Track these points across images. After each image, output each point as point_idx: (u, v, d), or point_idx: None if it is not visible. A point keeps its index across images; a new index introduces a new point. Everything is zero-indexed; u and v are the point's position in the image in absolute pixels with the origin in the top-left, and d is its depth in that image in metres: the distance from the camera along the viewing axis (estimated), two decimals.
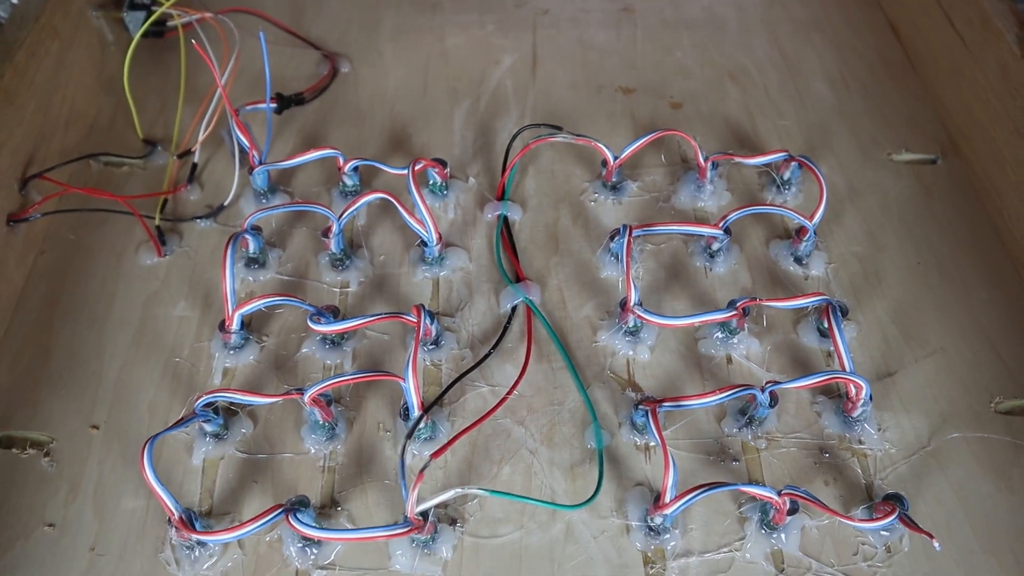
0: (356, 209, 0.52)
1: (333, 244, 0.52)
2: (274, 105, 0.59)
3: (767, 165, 0.58)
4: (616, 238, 0.53)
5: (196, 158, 0.59)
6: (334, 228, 0.51)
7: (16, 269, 0.53)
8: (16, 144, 0.53)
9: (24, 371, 0.49)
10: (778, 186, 0.59)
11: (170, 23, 0.65)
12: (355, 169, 0.56)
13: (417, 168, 0.53)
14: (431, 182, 0.57)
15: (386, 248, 0.55)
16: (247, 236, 0.51)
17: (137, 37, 0.59)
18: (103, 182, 0.59)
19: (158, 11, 0.61)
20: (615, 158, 0.56)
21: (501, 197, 0.57)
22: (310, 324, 0.47)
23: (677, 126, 0.62)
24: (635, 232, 0.51)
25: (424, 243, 0.53)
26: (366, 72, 0.66)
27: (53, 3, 0.58)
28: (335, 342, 0.50)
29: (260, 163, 0.55)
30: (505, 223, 0.56)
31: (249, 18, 0.67)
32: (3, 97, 0.52)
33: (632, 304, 0.49)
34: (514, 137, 0.59)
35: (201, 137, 0.57)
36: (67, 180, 0.58)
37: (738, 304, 0.48)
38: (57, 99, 0.58)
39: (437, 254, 0.53)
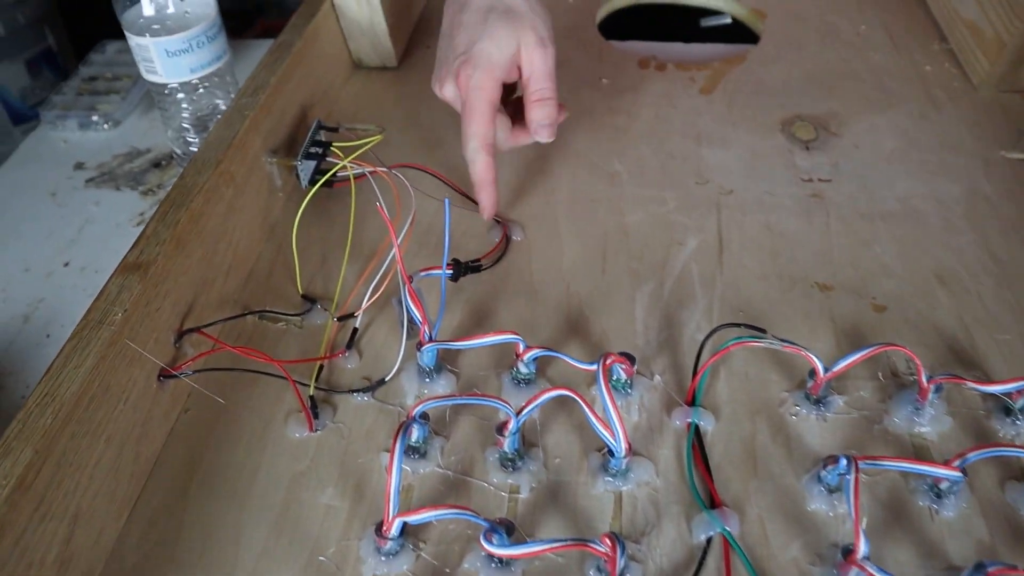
0: (537, 406, 0.46)
1: (507, 443, 0.46)
2: (449, 272, 0.55)
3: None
4: (829, 466, 0.45)
5: (358, 322, 0.54)
6: (511, 425, 0.45)
7: (159, 428, 0.48)
8: (179, 294, 0.50)
9: (154, 547, 0.44)
10: (1011, 415, 0.50)
11: (341, 174, 0.62)
12: (534, 359, 0.50)
13: (607, 363, 0.47)
14: (614, 377, 0.51)
15: (562, 450, 0.48)
16: (414, 426, 0.45)
17: (313, 191, 0.57)
18: (257, 338, 0.55)
19: (336, 166, 0.58)
20: (826, 370, 0.49)
21: (691, 402, 0.50)
22: (483, 543, 0.40)
23: (884, 333, 0.55)
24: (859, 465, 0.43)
25: (611, 452, 0.46)
26: (540, 242, 0.62)
27: (234, 148, 0.56)
28: (504, 562, 0.42)
29: (431, 339, 0.50)
30: (697, 433, 0.49)
31: (419, 174, 0.64)
32: (175, 245, 0.49)
33: (860, 556, 0.40)
34: (708, 336, 0.52)
35: (366, 303, 0.53)
36: (219, 333, 0.54)
37: (990, 571, 0.40)
38: (223, 246, 0.55)
39: (624, 466, 0.46)
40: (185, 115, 0.67)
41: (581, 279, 0.59)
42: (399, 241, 0.51)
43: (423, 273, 0.53)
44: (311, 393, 0.50)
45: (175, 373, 0.48)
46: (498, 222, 0.62)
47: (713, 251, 0.61)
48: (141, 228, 0.50)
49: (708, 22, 1.01)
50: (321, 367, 0.52)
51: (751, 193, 0.67)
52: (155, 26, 0.63)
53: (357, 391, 0.51)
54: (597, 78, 0.79)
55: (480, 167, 0.58)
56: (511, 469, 0.47)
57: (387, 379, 0.51)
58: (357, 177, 0.61)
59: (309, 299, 0.56)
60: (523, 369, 0.51)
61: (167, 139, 0.74)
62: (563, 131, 0.71)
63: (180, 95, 0.66)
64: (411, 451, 0.47)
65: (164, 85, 0.65)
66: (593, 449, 0.48)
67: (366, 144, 0.61)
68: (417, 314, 0.50)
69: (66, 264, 0.64)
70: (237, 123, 0.57)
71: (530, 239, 0.62)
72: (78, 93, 0.82)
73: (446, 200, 0.50)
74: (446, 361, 0.53)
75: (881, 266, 0.61)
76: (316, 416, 0.49)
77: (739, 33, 0.93)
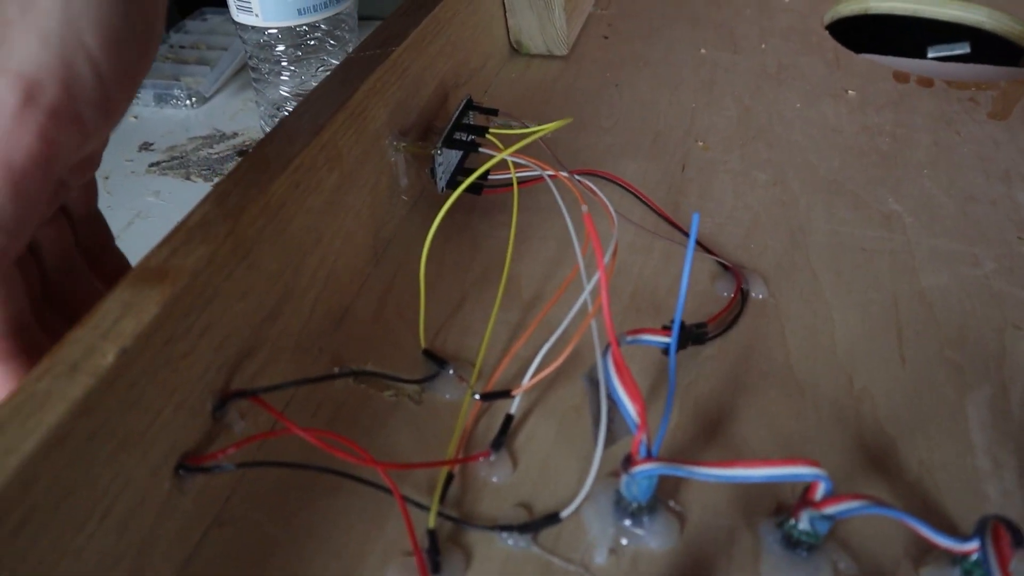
0: None
1: None
2: (666, 340, 0.33)
3: None
4: None
5: (514, 407, 0.33)
6: None
7: (169, 553, 0.27)
8: (229, 330, 0.29)
9: None
10: None
11: (496, 175, 0.41)
12: (840, 514, 0.27)
13: (1002, 546, 0.24)
14: (972, 560, 0.27)
15: None
16: None
17: (458, 193, 0.36)
18: (348, 413, 0.34)
19: (494, 159, 0.37)
20: None
21: None
22: None
23: None
24: None
25: None
26: (794, 305, 0.39)
27: (348, 114, 0.36)
28: None
29: (650, 454, 0.28)
30: None
31: (606, 186, 0.44)
32: (233, 248, 0.29)
33: None
34: None
35: (531, 378, 0.32)
36: (285, 407, 0.34)
37: None
38: (312, 261, 0.35)
39: None
40: (284, 79, 0.48)
41: (870, 370, 0.36)
42: (594, 284, 0.30)
43: (631, 338, 0.31)
44: (431, 526, 0.28)
45: (206, 465, 0.28)
46: (727, 268, 0.41)
47: None
48: None
49: (939, 52, 0.78)
50: (451, 476, 0.31)
51: None
52: None
53: (508, 528, 0.29)
54: (840, 89, 0.57)
55: None
56: None
57: (563, 515, 0.29)
58: (522, 183, 0.41)
59: (436, 358, 0.36)
60: (806, 526, 0.28)
61: (258, 117, 0.56)
62: (800, 146, 0.50)
63: (280, 48, 0.47)
64: None
65: (261, 31, 0.46)
66: None
67: (537, 131, 0.40)
68: (631, 408, 0.28)
69: None
70: (357, 79, 0.38)
71: (778, 298, 0.40)
72: (161, 61, 0.65)
73: (695, 216, 0.28)
74: (661, 492, 0.31)
75: None
76: (437, 570, 0.27)
77: (982, 61, 0.70)
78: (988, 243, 0.44)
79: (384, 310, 0.39)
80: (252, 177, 0.31)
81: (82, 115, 0.22)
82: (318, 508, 0.30)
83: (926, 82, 0.58)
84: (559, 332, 0.32)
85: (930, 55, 0.78)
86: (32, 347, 0.27)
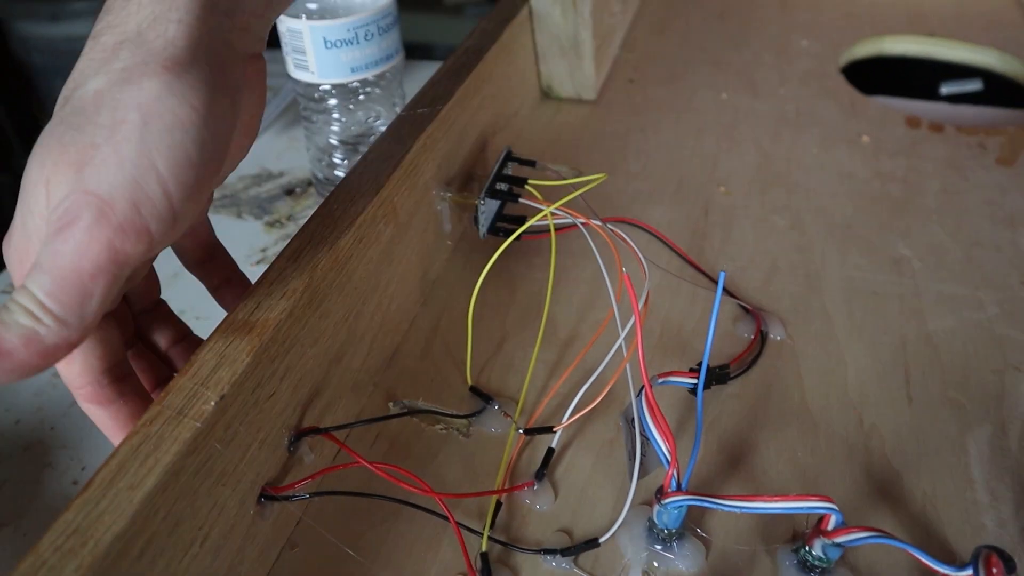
0: None
1: None
2: (693, 381, 0.36)
3: None
4: None
5: (554, 441, 0.36)
6: None
7: (251, 570, 0.31)
8: (303, 374, 0.33)
9: None
10: None
11: (533, 222, 0.45)
12: (849, 544, 0.30)
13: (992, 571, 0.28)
14: None
15: None
16: None
17: (509, 241, 0.40)
18: (401, 445, 0.37)
19: (543, 211, 0.41)
20: None
21: None
22: None
23: None
24: None
25: None
26: (810, 346, 0.43)
27: (403, 172, 0.40)
28: None
29: (679, 486, 0.31)
30: None
31: (635, 231, 0.47)
32: (309, 300, 0.32)
33: None
34: None
35: (570, 416, 0.35)
36: (345, 439, 0.37)
37: None
38: (370, 308, 0.39)
39: None
40: (335, 129, 0.52)
41: (879, 408, 0.39)
42: (628, 329, 0.34)
43: (662, 380, 0.35)
44: (483, 549, 0.32)
45: (285, 495, 0.31)
46: (748, 311, 0.44)
47: None
48: (262, 268, 0.34)
49: (951, 88, 0.81)
50: (499, 505, 0.34)
51: None
52: (313, 5, 0.49)
53: (551, 551, 0.32)
54: (855, 134, 0.60)
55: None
56: None
57: (602, 540, 0.32)
58: (557, 230, 0.44)
59: (481, 395, 0.39)
60: (819, 552, 0.31)
61: (307, 160, 0.59)
62: (816, 192, 0.53)
63: (333, 101, 0.51)
64: None
65: (315, 87, 0.50)
66: None
67: (576, 188, 0.44)
68: (663, 445, 0.31)
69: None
70: (409, 138, 0.41)
71: (795, 340, 0.43)
72: None
73: (721, 274, 0.32)
74: (689, 519, 0.34)
75: None
76: None
77: (994, 99, 0.73)
78: (991, 287, 0.47)
79: (431, 348, 0.43)
80: (321, 234, 0.35)
81: (149, 228, 0.25)
82: (379, 532, 0.34)
83: (937, 127, 0.62)
84: (597, 373, 0.36)
85: (943, 91, 0.81)
86: (126, 394, 0.31)
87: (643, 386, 0.32)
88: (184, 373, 0.29)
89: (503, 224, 0.46)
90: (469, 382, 0.40)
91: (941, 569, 0.29)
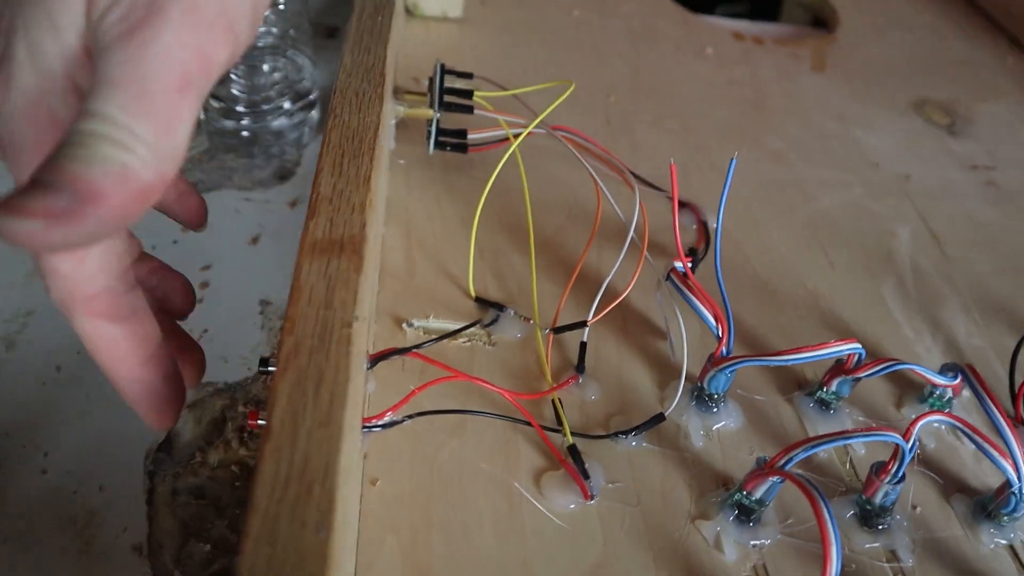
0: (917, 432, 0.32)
1: (883, 492, 0.32)
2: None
3: None
4: None
5: (586, 335, 0.38)
6: (894, 465, 0.31)
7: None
8: (364, 297, 0.31)
9: None
10: None
11: (475, 136, 0.46)
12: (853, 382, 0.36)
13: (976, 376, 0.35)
14: (935, 395, 0.38)
15: (923, 496, 0.35)
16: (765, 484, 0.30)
17: (508, 154, 0.40)
18: (431, 366, 0.37)
19: (530, 125, 0.41)
20: None
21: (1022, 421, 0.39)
22: None
23: None
24: None
25: (1007, 491, 0.33)
26: (742, 230, 0.48)
27: (381, 78, 0.38)
28: None
29: (729, 354, 0.35)
30: None
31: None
32: (363, 216, 0.31)
33: None
34: (1021, 346, 0.41)
35: (596, 313, 0.37)
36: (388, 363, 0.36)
37: None
38: (377, 228, 0.37)
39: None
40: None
41: (814, 275, 0.46)
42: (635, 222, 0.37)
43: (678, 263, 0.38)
44: (570, 441, 0.33)
45: (383, 423, 0.30)
46: (684, 204, 0.48)
47: (930, 243, 0.50)
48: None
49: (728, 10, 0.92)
50: (556, 405, 0.35)
51: (928, 180, 0.57)
52: None
53: (624, 432, 0.35)
54: (700, 46, 0.67)
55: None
56: (878, 528, 0.33)
57: (666, 413, 0.35)
58: (504, 140, 0.45)
59: (492, 304, 0.40)
60: (835, 390, 0.37)
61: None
62: (690, 97, 0.58)
63: None
64: (742, 514, 0.32)
65: None
66: (954, 491, 0.35)
67: (559, 97, 0.45)
68: (709, 316, 0.35)
69: None
70: (378, 46, 0.40)
71: (727, 226, 0.48)
72: None
73: (732, 161, 0.35)
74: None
75: None
76: (587, 476, 0.32)
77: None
78: (850, 170, 0.55)
79: (414, 268, 0.42)
80: (354, 140, 0.33)
81: (235, 29, 0.22)
82: (453, 444, 0.34)
83: (758, 40, 0.70)
84: (616, 266, 0.38)
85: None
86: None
87: (684, 264, 0.35)
88: (296, 300, 0.26)
89: (445, 138, 0.46)
90: (472, 294, 0.40)
91: (939, 380, 0.36)
